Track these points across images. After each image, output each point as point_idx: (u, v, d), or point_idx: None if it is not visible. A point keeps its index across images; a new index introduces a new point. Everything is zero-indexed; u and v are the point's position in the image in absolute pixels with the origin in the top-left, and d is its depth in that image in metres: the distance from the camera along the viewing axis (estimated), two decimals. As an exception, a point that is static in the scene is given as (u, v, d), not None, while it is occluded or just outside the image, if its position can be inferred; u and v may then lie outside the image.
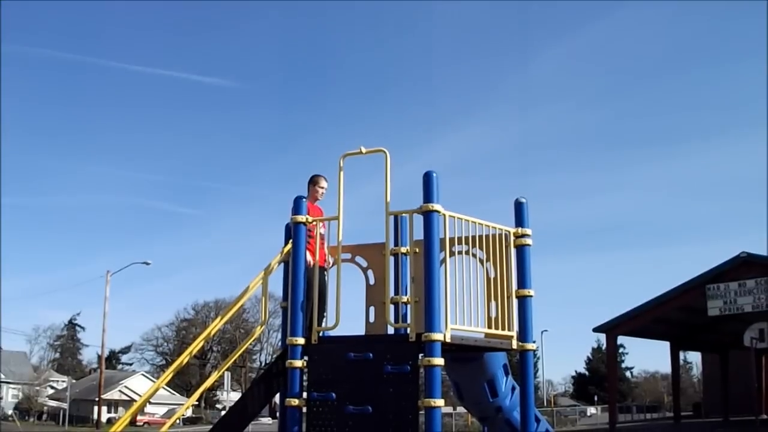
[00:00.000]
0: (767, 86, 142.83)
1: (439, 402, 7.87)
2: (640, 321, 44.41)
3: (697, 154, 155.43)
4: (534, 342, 9.33)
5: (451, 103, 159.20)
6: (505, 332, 9.02)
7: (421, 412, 7.93)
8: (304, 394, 8.67)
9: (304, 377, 8.82)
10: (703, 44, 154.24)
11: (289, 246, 9.26)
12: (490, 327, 8.99)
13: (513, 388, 10.45)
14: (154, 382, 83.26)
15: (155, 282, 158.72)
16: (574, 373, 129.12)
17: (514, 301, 9.20)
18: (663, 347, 53.71)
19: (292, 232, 9.18)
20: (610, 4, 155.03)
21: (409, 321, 8.99)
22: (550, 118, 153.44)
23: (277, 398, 9.73)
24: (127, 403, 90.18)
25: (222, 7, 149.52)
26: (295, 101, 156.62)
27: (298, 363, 8.69)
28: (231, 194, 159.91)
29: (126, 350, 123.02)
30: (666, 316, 44.78)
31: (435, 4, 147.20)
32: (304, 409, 8.65)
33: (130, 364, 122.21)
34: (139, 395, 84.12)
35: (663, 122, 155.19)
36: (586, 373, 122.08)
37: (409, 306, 9.54)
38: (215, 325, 10.64)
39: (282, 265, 9.71)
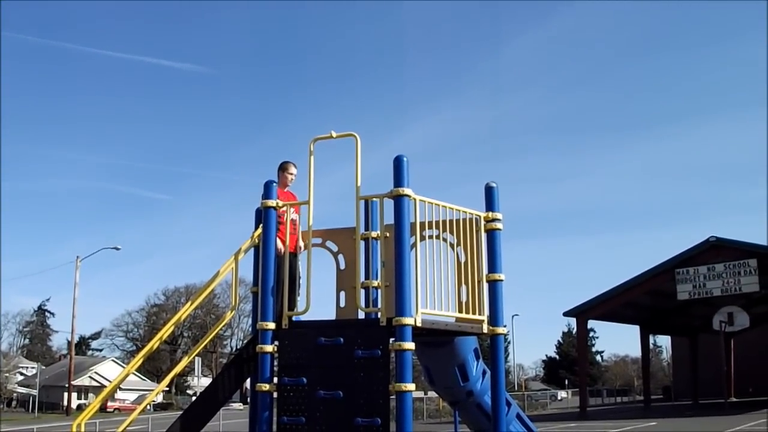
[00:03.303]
0: (738, 71, 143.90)
1: (410, 386, 7.87)
2: (611, 305, 44.75)
3: (667, 139, 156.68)
4: (505, 326, 9.35)
5: (422, 89, 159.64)
6: (476, 316, 9.03)
7: (392, 397, 7.94)
8: (275, 379, 8.66)
9: (275, 362, 8.81)
10: (672, 30, 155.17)
11: (260, 231, 9.23)
12: (460, 311, 9.00)
13: (484, 373, 10.47)
14: (124, 368, 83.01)
15: (125, 267, 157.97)
16: (544, 357, 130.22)
17: (485, 286, 9.21)
18: (633, 331, 54.21)
19: (262, 216, 9.16)
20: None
21: (379, 305, 9.00)
22: (521, 104, 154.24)
23: (247, 383, 9.71)
24: (98, 389, 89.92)
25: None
26: (267, 87, 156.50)
27: (269, 348, 8.66)
28: (202, 179, 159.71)
29: (96, 336, 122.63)
30: (636, 300, 45.16)
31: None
32: (275, 394, 8.64)
33: (101, 350, 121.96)
34: (110, 381, 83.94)
35: (632, 108, 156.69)
36: (557, 357, 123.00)
37: (379, 290, 9.53)
38: (185, 310, 10.58)
39: (252, 250, 9.68)
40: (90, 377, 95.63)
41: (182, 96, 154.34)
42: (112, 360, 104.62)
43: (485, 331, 9.15)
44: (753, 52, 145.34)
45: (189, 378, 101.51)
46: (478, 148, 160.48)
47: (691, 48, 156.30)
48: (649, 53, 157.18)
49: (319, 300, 9.01)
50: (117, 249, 68.69)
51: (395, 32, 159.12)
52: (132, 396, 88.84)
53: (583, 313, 45.90)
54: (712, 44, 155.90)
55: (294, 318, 8.90)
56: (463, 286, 9.11)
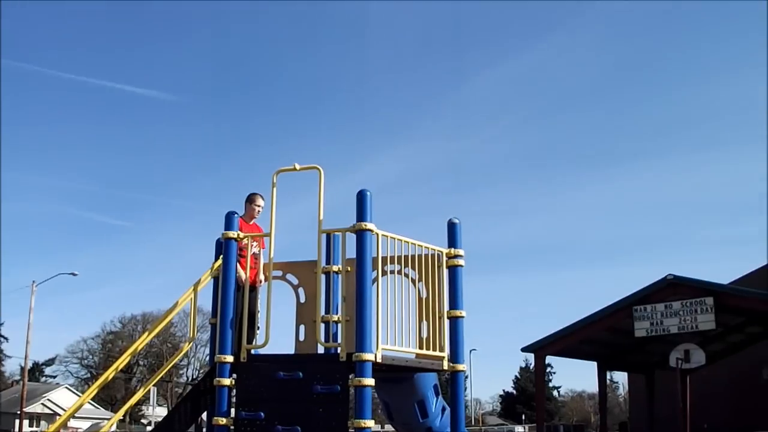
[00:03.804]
0: (701, 110, 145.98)
1: (369, 423, 7.84)
2: (569, 341, 44.77)
3: (626, 176, 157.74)
4: (464, 362, 9.34)
5: (385, 121, 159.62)
6: (437, 353, 9.02)
7: (350, 432, 7.89)
8: (232, 413, 8.57)
9: (233, 395, 8.72)
10: (634, 69, 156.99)
11: (220, 262, 9.17)
12: (421, 347, 8.99)
13: (443, 409, 10.43)
14: (78, 395, 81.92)
15: (82, 293, 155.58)
16: (502, 392, 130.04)
17: (446, 322, 9.20)
18: (590, 366, 54.55)
19: (222, 248, 9.10)
20: (543, 28, 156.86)
21: (339, 340, 8.96)
22: (484, 139, 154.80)
23: (204, 416, 9.60)
24: (50, 416, 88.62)
25: (155, 19, 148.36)
26: (229, 115, 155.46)
27: (227, 381, 8.59)
28: (162, 207, 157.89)
29: (50, 362, 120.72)
30: (594, 337, 45.19)
31: (369, 22, 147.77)
32: (232, 428, 8.55)
33: (54, 377, 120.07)
34: (63, 409, 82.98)
35: (592, 145, 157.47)
36: (514, 392, 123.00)
37: (339, 325, 9.50)
38: (142, 341, 10.48)
39: (212, 280, 9.60)
40: (43, 404, 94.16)
41: (144, 122, 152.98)
42: (66, 387, 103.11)
43: (446, 367, 9.14)
44: (722, 91, 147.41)
45: (144, 407, 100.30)
46: (440, 181, 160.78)
47: (656, 84, 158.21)
48: (613, 89, 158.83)
49: (278, 333, 8.96)
50: (74, 275, 67.89)
51: (360, 62, 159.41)
52: (85, 424, 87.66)
53: (541, 349, 45.82)
54: (673, 84, 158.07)
55: (253, 351, 8.83)
56: (424, 322, 9.11)
